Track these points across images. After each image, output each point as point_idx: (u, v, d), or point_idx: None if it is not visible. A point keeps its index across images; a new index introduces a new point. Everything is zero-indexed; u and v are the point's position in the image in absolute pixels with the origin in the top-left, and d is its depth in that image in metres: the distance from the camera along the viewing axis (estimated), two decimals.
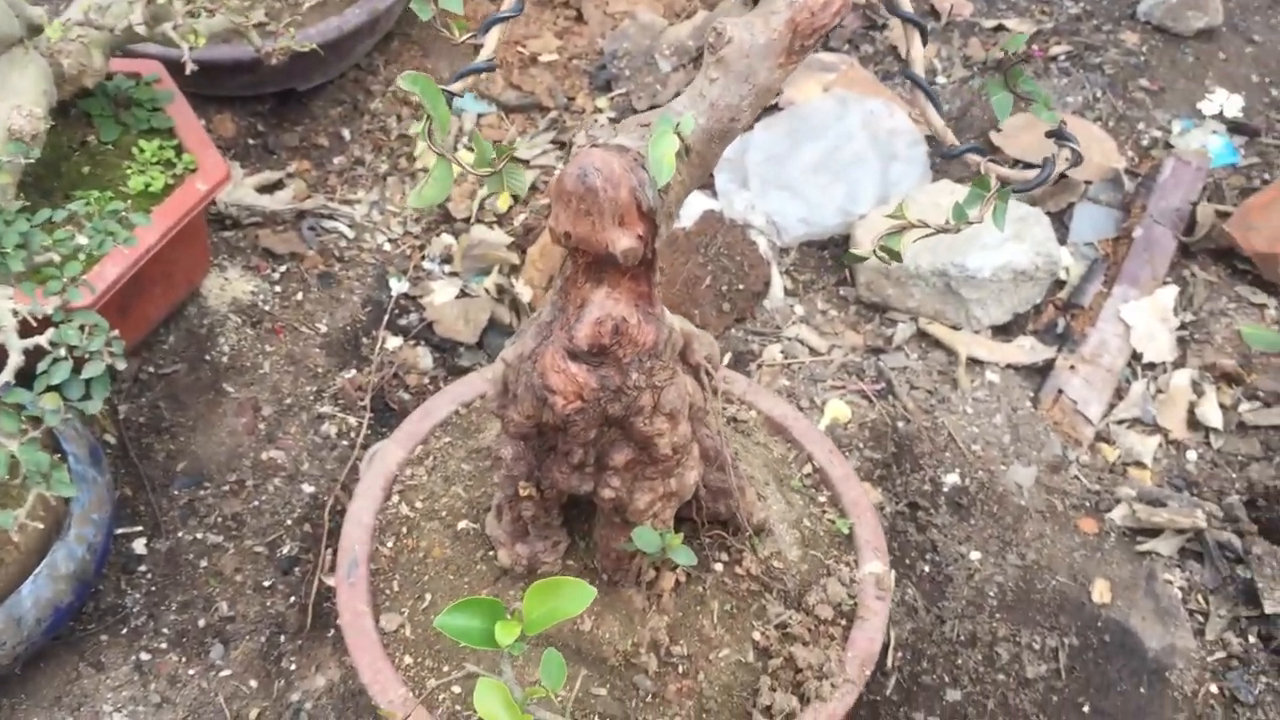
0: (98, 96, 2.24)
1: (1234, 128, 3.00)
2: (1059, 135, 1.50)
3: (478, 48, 1.39)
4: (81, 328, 1.60)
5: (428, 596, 1.78)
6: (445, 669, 1.72)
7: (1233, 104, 3.04)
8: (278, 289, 2.53)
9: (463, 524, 1.84)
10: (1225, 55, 3.16)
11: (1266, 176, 2.87)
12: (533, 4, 3.10)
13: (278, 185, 2.69)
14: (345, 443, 2.32)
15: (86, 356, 1.58)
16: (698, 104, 1.40)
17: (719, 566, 1.80)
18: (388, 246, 2.66)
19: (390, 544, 1.84)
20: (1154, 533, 2.31)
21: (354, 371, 2.43)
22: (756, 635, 1.75)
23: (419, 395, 2.41)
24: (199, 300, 2.44)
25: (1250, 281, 2.71)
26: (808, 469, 1.98)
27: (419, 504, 1.88)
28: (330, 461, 2.29)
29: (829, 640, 1.76)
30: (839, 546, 1.88)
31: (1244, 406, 2.53)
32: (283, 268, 2.57)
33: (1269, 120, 3.02)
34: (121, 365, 1.60)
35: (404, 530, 1.86)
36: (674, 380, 1.56)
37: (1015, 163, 2.85)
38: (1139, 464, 2.44)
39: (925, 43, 1.48)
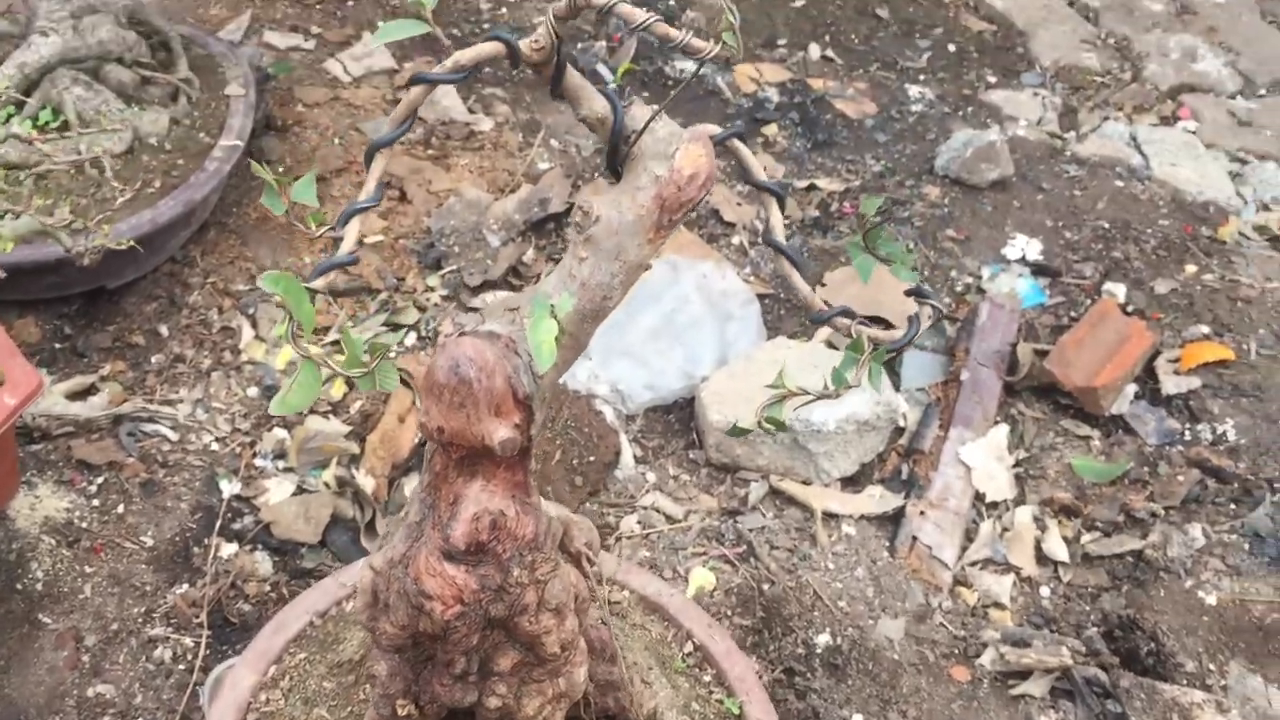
0: None
1: (1037, 270, 3.18)
2: (919, 293, 1.53)
3: (336, 241, 1.33)
4: None
5: None
6: None
7: (1032, 248, 3.23)
8: (95, 503, 2.33)
9: None
10: (1019, 203, 3.38)
11: (1074, 314, 3.04)
12: (355, 185, 3.05)
13: (90, 390, 2.51)
14: (182, 667, 2.11)
15: None
16: (568, 284, 1.37)
17: None
18: (216, 446, 2.50)
19: None
20: (1024, 675, 2.32)
21: (186, 586, 2.24)
22: None
23: (261, 605, 2.24)
24: (6, 524, 2.22)
25: (1073, 415, 2.83)
26: (689, 647, 1.91)
27: None
28: (167, 691, 2.08)
29: None
30: None
31: (1085, 538, 2.61)
32: (100, 479, 2.37)
33: (1067, 261, 3.21)
34: None
35: None
36: (557, 572, 1.48)
37: (866, 319, 2.94)
38: (998, 605, 2.47)
39: (783, 209, 1.50)
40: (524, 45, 1.29)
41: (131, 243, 2.13)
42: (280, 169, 3.07)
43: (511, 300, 1.42)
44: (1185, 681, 2.30)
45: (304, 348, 1.19)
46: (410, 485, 2.55)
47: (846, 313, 1.47)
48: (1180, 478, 2.69)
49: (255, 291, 2.80)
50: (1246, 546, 2.58)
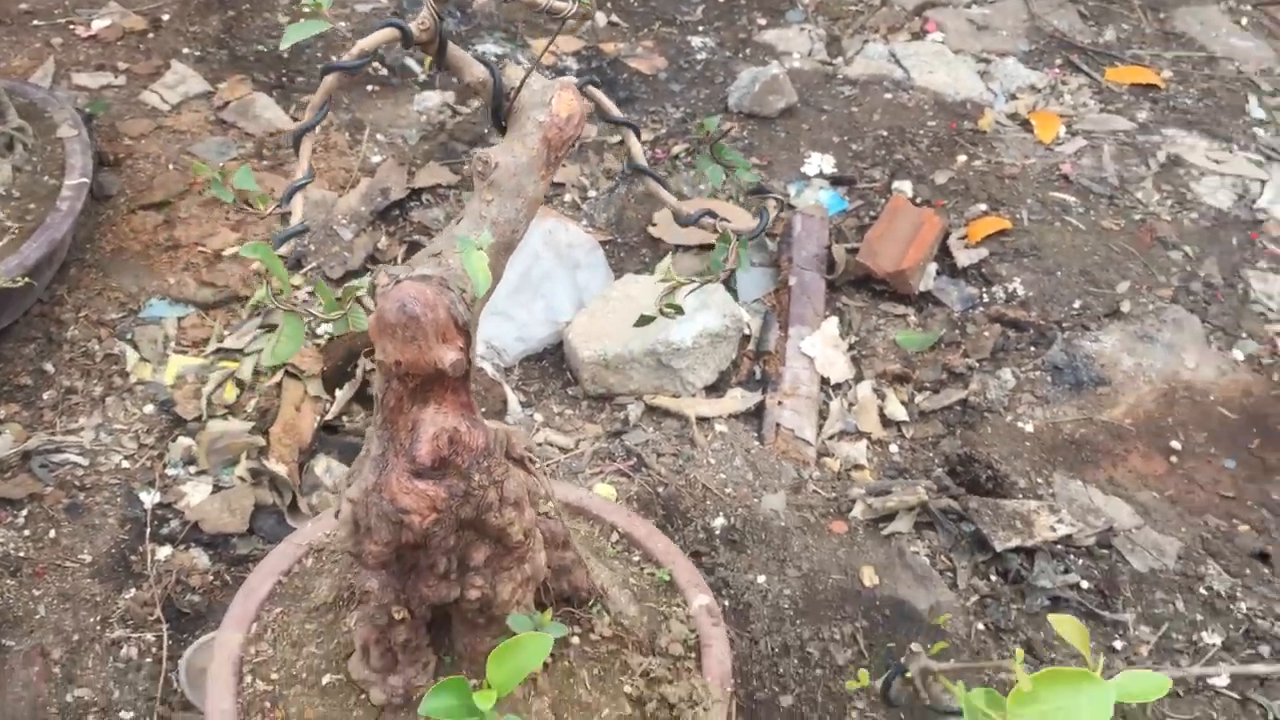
0: None
1: (834, 181, 3.57)
2: (761, 190, 1.84)
3: (284, 216, 1.54)
4: None
5: None
6: None
7: (826, 163, 3.62)
8: (26, 533, 2.44)
9: (326, 679, 1.90)
10: (808, 125, 3.77)
11: (872, 213, 3.44)
12: (200, 204, 3.18)
13: None
14: (150, 660, 2.27)
15: None
16: (479, 225, 1.62)
17: (575, 639, 1.96)
18: (126, 464, 2.63)
19: None
20: (890, 516, 2.69)
21: (134, 590, 2.38)
22: (628, 688, 1.92)
23: (208, 594, 2.40)
24: None
25: (889, 298, 3.23)
26: (614, 537, 2.19)
27: (274, 675, 1.91)
28: (141, 682, 2.23)
29: (688, 672, 1.96)
30: (666, 592, 2.10)
31: (919, 398, 3.01)
32: (24, 511, 2.48)
33: (857, 169, 3.62)
34: None
35: (267, 705, 1.88)
36: (509, 473, 1.74)
37: (696, 250, 3.26)
38: (858, 466, 2.84)
39: (639, 138, 1.78)
40: (414, 28, 1.53)
41: (25, 279, 2.26)
42: (122, 201, 3.17)
43: (432, 248, 1.66)
44: (1021, 496, 2.72)
45: (286, 303, 1.41)
46: (319, 466, 2.73)
47: (709, 214, 1.77)
48: (986, 334, 3.12)
49: (129, 318, 2.91)
50: (1049, 380, 3.02)
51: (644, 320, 1.70)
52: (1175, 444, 2.88)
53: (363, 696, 1.87)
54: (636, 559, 2.16)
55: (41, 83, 3.49)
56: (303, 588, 2.05)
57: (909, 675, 0.93)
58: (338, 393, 2.86)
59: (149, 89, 3.57)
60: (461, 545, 1.72)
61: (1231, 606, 2.52)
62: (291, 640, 1.96)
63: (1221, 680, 2.38)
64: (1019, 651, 2.33)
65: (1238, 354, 3.11)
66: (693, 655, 1.99)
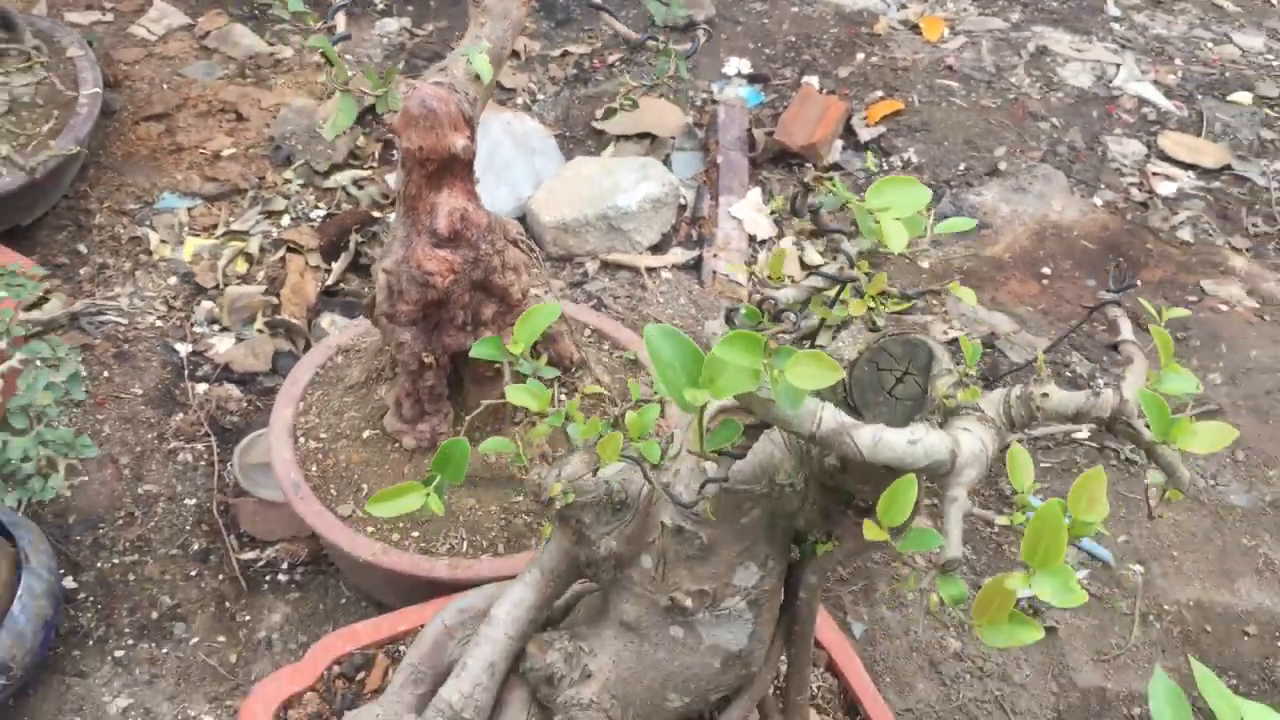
0: None
1: (751, 79, 4.09)
2: (693, 24, 2.33)
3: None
4: None
5: (364, 487, 2.28)
6: (399, 524, 2.23)
7: (744, 65, 4.13)
8: (84, 374, 2.86)
9: (366, 434, 2.36)
10: (726, 35, 4.28)
11: (785, 104, 3.95)
12: (196, 115, 3.60)
13: (40, 302, 3.01)
14: (204, 463, 2.71)
15: None
16: (478, 41, 2.09)
17: (563, 398, 2.45)
18: (159, 323, 3.06)
19: (315, 468, 2.32)
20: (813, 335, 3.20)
21: (181, 415, 2.82)
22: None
23: (244, 416, 2.85)
24: None
25: (803, 170, 3.75)
26: (588, 332, 2.68)
27: (323, 435, 2.37)
28: (198, 478, 2.67)
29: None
30: (631, 368, 2.59)
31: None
32: (79, 359, 2.90)
33: (771, 69, 4.14)
34: None
35: (320, 455, 2.34)
36: (508, 248, 2.22)
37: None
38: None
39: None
40: None
41: (80, 149, 2.68)
42: (126, 115, 3.58)
43: (443, 64, 2.13)
44: (919, 313, 3.25)
45: (343, 84, 1.87)
46: (325, 320, 3.18)
47: (652, 37, 2.26)
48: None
49: (145, 209, 3.34)
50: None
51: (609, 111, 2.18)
52: (1046, 270, 3.44)
53: (396, 445, 2.34)
54: (607, 346, 2.65)
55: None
56: (337, 375, 2.51)
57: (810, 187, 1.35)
58: (334, 264, 3.31)
59: (136, 24, 3.97)
60: (474, 303, 2.20)
61: (1091, 384, 3.08)
62: (333, 410, 2.42)
63: (1082, 434, 2.94)
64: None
65: (1097, 200, 3.68)
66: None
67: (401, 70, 3.94)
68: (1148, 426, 1.17)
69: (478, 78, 2.09)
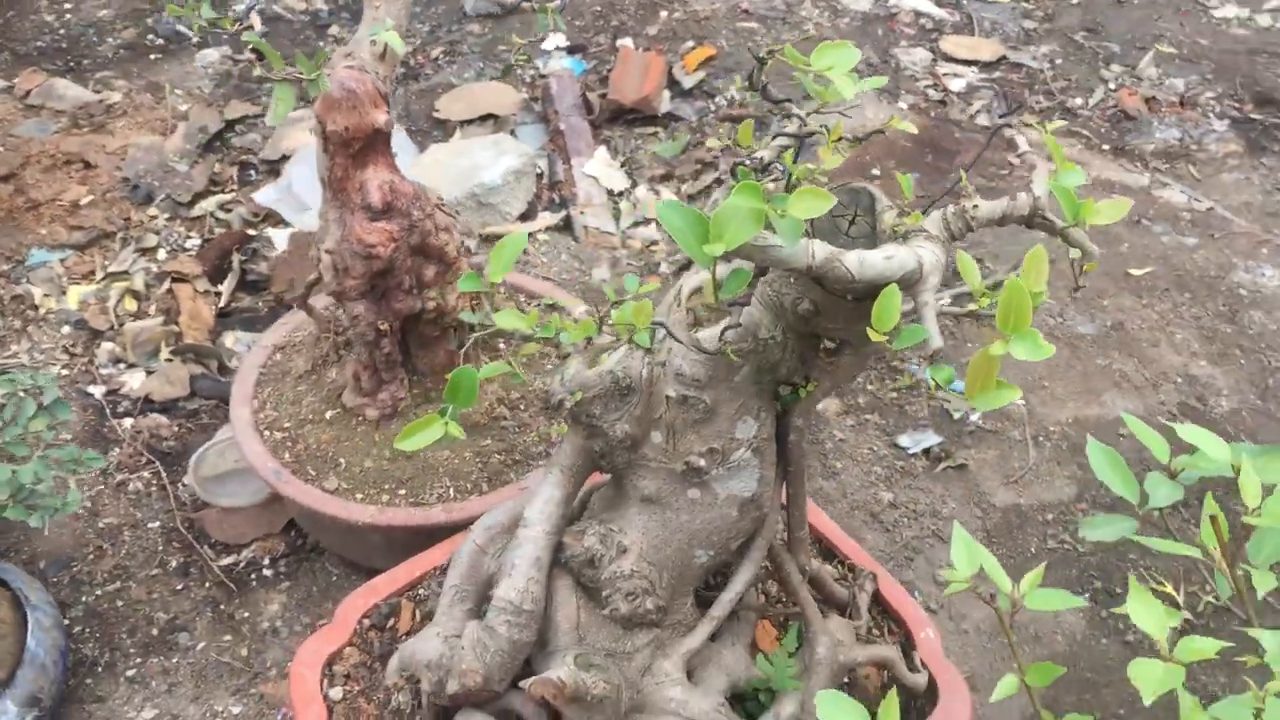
0: None
1: (570, 50, 4.32)
2: None
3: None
4: None
5: (341, 461, 2.41)
6: (385, 486, 2.37)
7: (560, 39, 4.37)
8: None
9: (329, 414, 2.49)
10: (529, 14, 4.50)
11: (608, 68, 4.21)
12: (42, 170, 3.59)
13: None
14: (155, 487, 2.77)
15: None
16: (379, 23, 2.26)
17: (503, 346, 2.64)
18: (65, 371, 3.07)
19: (288, 454, 2.43)
20: (689, 264, 3.48)
21: (118, 449, 2.86)
22: (549, 368, 2.61)
23: (179, 439, 2.91)
24: None
25: (640, 122, 4.02)
26: (503, 289, 2.86)
27: (286, 424, 2.49)
28: (154, 503, 2.73)
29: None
30: (551, 312, 2.79)
31: (684, 186, 3.81)
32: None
33: (586, 39, 4.38)
34: None
35: (290, 443, 2.46)
36: (435, 210, 2.39)
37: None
38: (655, 242, 3.61)
39: None
40: None
41: None
42: None
43: (348, 48, 2.28)
44: None
45: (279, 74, 2.01)
46: (229, 339, 3.25)
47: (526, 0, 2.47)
48: (722, 130, 3.96)
49: (18, 266, 3.32)
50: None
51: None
52: (876, 172, 3.81)
53: (360, 418, 2.47)
54: (522, 299, 2.84)
55: None
56: (282, 370, 2.62)
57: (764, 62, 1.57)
58: (222, 286, 3.38)
59: None
60: (415, 267, 2.36)
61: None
62: (288, 399, 2.53)
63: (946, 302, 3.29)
64: None
65: (902, 104, 4.08)
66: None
67: (237, 97, 4.01)
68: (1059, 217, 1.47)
69: (384, 56, 2.25)
